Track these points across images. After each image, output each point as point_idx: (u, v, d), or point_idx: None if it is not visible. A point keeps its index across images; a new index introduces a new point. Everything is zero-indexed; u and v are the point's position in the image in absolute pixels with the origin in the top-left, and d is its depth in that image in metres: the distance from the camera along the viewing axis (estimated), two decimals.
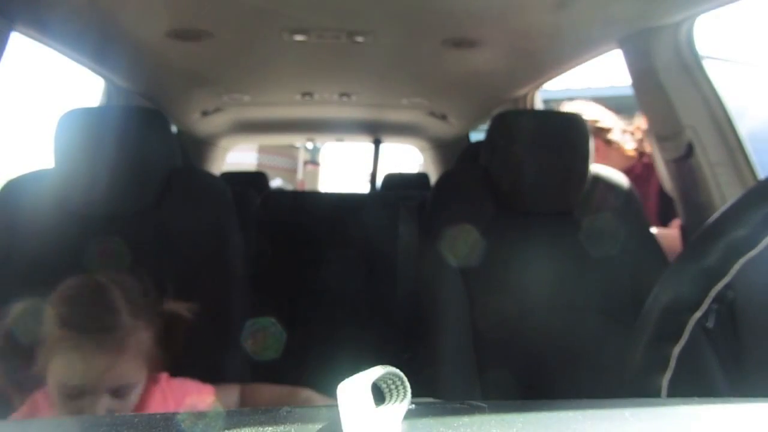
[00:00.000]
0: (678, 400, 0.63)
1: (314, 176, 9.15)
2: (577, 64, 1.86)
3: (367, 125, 3.24)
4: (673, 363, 0.50)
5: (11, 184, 1.33)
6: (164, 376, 1.03)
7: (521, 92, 2.28)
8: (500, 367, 1.23)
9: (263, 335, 1.63)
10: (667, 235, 1.65)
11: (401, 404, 0.32)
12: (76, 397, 0.89)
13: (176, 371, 1.20)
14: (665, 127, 1.48)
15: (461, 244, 1.38)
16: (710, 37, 1.54)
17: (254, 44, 1.76)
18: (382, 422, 0.30)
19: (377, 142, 3.54)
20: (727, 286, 0.51)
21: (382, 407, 0.32)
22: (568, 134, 1.44)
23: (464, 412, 0.34)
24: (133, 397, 0.91)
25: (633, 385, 0.51)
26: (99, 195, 1.31)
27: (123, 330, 0.93)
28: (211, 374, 1.22)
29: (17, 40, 1.41)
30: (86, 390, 0.89)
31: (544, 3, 1.38)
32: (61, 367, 0.92)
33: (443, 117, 2.85)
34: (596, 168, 1.50)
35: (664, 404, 0.46)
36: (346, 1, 1.43)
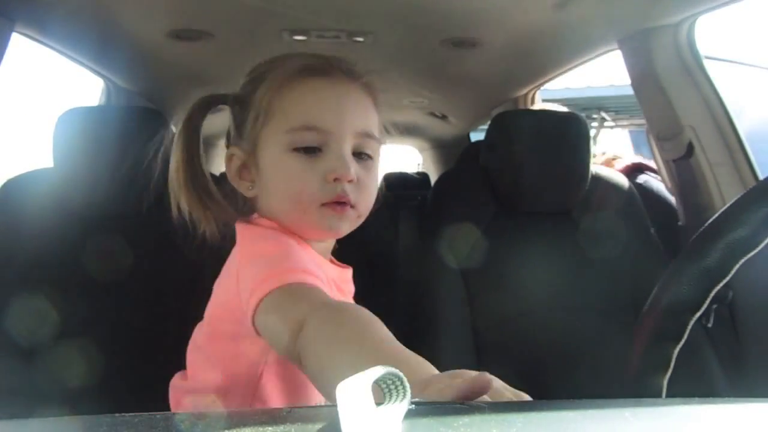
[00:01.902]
0: (678, 400, 0.63)
1: None
2: (577, 64, 1.86)
3: None
4: (673, 363, 0.50)
5: (11, 184, 1.33)
6: None
7: (521, 92, 2.28)
8: (500, 367, 1.23)
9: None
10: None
11: (401, 404, 0.32)
12: (312, 148, 0.70)
13: (175, 371, 1.20)
14: (665, 127, 1.48)
15: (461, 244, 1.38)
16: (710, 37, 1.54)
17: (254, 44, 1.76)
18: (381, 422, 0.30)
19: None
20: (726, 285, 0.51)
21: (382, 407, 0.32)
22: (568, 134, 1.44)
23: (464, 412, 0.34)
24: (376, 173, 0.74)
25: (633, 385, 0.51)
26: (99, 195, 1.31)
27: (369, 80, 0.77)
28: None
29: (17, 40, 1.41)
30: (331, 132, 0.70)
31: (544, 3, 1.38)
32: (299, 106, 0.71)
33: (443, 117, 2.85)
34: (596, 168, 1.50)
35: (664, 404, 0.46)
36: (346, 1, 1.43)
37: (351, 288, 0.88)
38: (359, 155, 0.73)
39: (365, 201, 0.75)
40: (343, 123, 0.71)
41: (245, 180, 0.77)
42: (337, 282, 0.81)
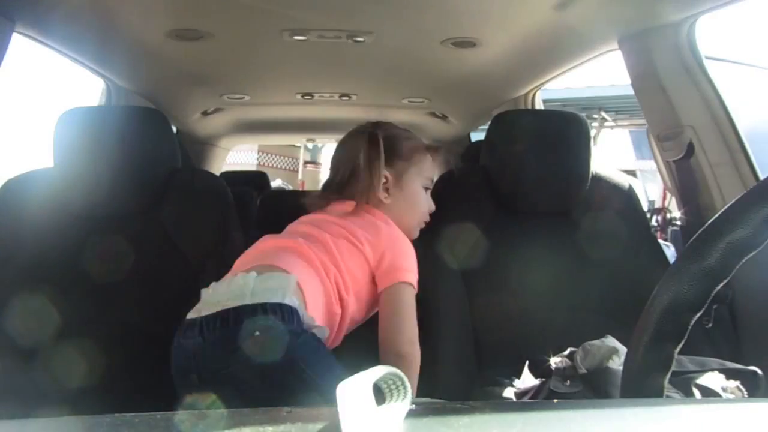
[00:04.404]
0: (678, 400, 0.63)
1: (314, 176, 9.15)
2: (577, 64, 1.86)
3: None
4: (673, 363, 0.50)
5: (11, 184, 1.33)
6: None
7: (521, 92, 2.28)
8: (500, 366, 1.23)
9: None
10: None
11: (402, 404, 0.32)
12: (427, 189, 1.23)
13: None
14: (665, 127, 1.48)
15: (461, 244, 1.38)
16: (710, 37, 1.54)
17: (254, 44, 1.76)
18: (382, 422, 0.30)
19: None
20: (726, 285, 0.50)
21: (383, 407, 0.32)
22: (568, 134, 1.44)
23: (464, 412, 0.34)
24: None
25: (633, 385, 0.51)
26: (99, 195, 1.31)
27: None
28: None
29: (18, 40, 1.41)
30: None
31: (544, 3, 1.38)
32: (429, 165, 1.23)
33: (444, 117, 2.85)
34: (596, 168, 1.50)
35: (664, 404, 0.46)
36: (346, 1, 1.43)
37: None
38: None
39: None
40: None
41: (385, 191, 1.17)
42: None
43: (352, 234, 1.08)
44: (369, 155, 1.15)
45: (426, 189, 1.21)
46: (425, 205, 1.21)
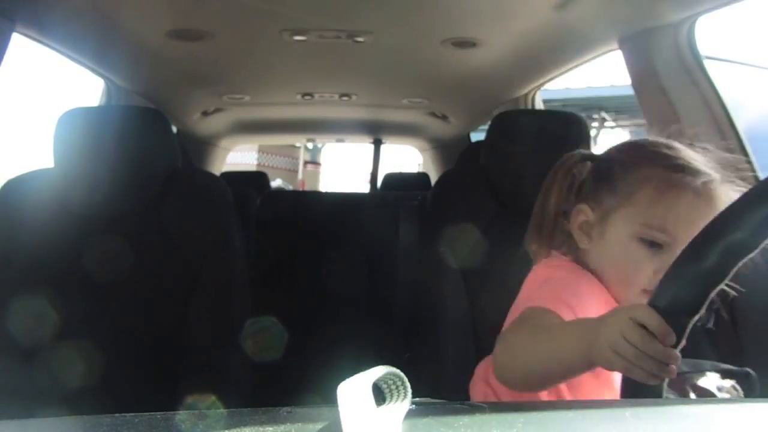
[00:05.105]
0: (678, 400, 0.63)
1: (315, 176, 9.16)
2: (577, 64, 1.86)
3: (368, 125, 3.23)
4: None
5: (11, 184, 1.33)
6: None
7: (522, 92, 2.28)
8: None
9: (264, 335, 1.63)
10: None
11: (402, 404, 0.32)
12: (656, 243, 0.79)
13: (176, 371, 1.20)
14: (665, 127, 1.47)
15: (461, 244, 1.38)
16: (710, 37, 1.54)
17: (254, 44, 1.76)
18: (382, 422, 0.30)
19: (377, 143, 3.54)
20: (726, 286, 0.51)
21: (383, 407, 0.32)
22: (568, 134, 1.44)
23: (464, 412, 0.34)
24: None
25: (633, 385, 0.51)
26: (99, 195, 1.31)
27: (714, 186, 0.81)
28: (211, 374, 1.22)
29: (18, 40, 1.41)
30: (677, 240, 0.76)
31: (544, 3, 1.38)
32: (661, 209, 0.79)
33: (443, 117, 2.85)
34: None
35: (664, 404, 0.46)
36: (346, 1, 1.43)
37: None
38: None
39: None
40: (690, 235, 0.71)
41: (584, 234, 0.87)
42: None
43: None
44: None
45: (653, 243, 0.79)
46: (638, 263, 0.80)
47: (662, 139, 0.88)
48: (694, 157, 0.83)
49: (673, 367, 0.50)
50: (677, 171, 0.80)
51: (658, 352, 0.49)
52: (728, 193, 0.80)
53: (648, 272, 0.78)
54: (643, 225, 0.79)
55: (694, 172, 0.80)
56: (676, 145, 0.86)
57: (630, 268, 0.80)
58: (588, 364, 0.61)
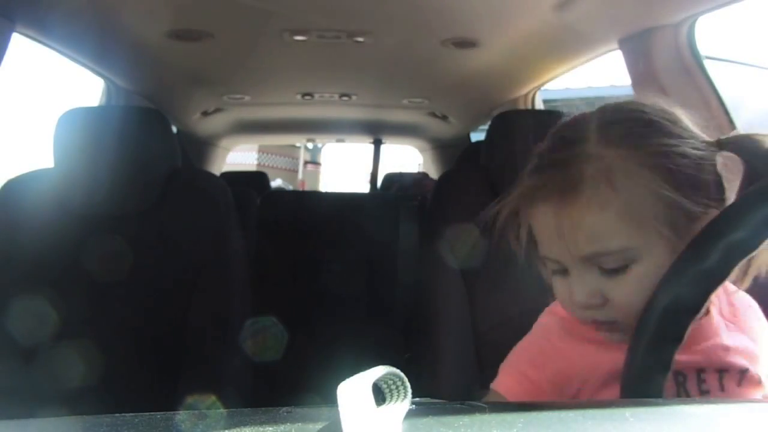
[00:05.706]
0: (678, 400, 0.63)
1: (315, 176, 9.15)
2: (577, 64, 1.86)
3: (368, 126, 3.24)
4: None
5: (11, 184, 1.33)
6: None
7: (521, 92, 2.28)
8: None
9: (264, 335, 1.63)
10: None
11: (401, 404, 0.32)
12: (559, 273, 0.68)
13: (176, 371, 1.20)
14: None
15: (461, 244, 1.38)
16: (710, 37, 1.54)
17: (254, 44, 1.76)
18: (382, 422, 0.30)
19: (377, 143, 3.54)
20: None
21: (383, 407, 0.32)
22: None
23: (464, 412, 0.34)
24: (643, 275, 0.61)
25: (633, 386, 0.51)
26: (99, 195, 1.31)
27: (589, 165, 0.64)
28: (211, 374, 1.22)
29: (18, 40, 1.41)
30: (560, 261, 0.67)
31: (544, 3, 1.38)
32: (537, 235, 0.70)
33: (443, 117, 2.85)
34: None
35: (664, 404, 0.46)
36: (346, 1, 1.43)
37: None
38: (605, 271, 0.64)
39: (625, 305, 0.63)
40: (565, 253, 0.66)
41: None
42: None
43: None
44: None
45: (559, 271, 0.70)
46: (560, 294, 0.71)
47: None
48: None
49: None
50: (530, 188, 0.73)
51: None
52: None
53: (572, 303, 0.68)
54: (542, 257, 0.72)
55: (543, 175, 0.72)
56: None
57: (564, 304, 0.71)
58: None
